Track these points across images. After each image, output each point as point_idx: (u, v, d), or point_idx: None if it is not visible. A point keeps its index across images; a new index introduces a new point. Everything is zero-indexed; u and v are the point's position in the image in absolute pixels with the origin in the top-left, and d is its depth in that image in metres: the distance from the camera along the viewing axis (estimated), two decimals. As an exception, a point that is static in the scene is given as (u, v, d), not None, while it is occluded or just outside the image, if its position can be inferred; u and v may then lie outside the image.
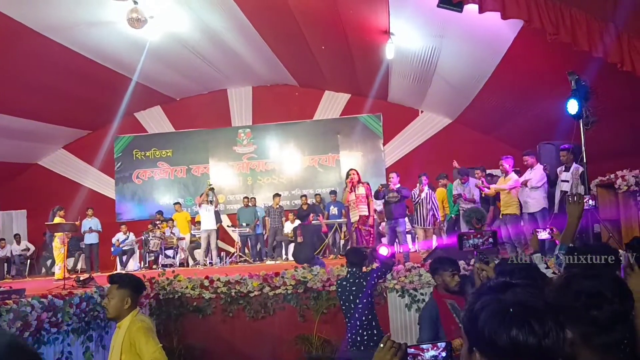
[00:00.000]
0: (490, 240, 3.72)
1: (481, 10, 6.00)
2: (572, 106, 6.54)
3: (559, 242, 4.16)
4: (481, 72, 9.56)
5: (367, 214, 8.41)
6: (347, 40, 10.25)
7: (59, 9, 8.88)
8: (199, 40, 10.90)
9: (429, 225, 9.60)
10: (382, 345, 1.73)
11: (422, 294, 7.08)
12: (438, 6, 6.43)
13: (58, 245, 9.69)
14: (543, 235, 4.65)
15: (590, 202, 6.46)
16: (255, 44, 11.16)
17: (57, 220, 9.87)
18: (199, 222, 12.56)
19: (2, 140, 12.48)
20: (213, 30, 10.43)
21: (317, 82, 13.81)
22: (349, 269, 5.41)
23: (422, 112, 13.91)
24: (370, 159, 14.33)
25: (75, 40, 9.94)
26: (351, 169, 8.98)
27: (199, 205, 12.11)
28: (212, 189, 11.99)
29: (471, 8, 6.29)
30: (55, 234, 9.72)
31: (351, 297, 5.19)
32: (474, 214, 7.08)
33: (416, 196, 9.70)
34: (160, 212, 13.55)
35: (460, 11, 6.41)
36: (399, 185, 9.00)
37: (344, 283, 5.32)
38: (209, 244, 11.88)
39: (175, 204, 13.62)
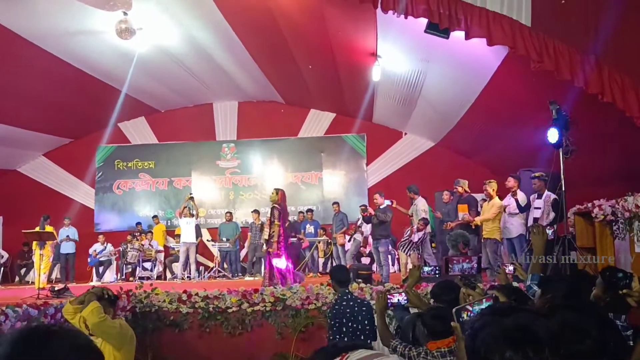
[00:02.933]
0: (475, 265, 3.79)
1: (467, 37, 6.14)
2: (553, 135, 6.68)
3: (520, 276, 4.24)
4: (465, 98, 9.73)
5: (266, 237, 8.37)
6: (334, 61, 10.37)
7: (47, 17, 8.84)
8: (187, 54, 10.92)
9: (410, 251, 9.55)
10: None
11: (400, 315, 7.07)
12: (425, 32, 6.57)
13: (49, 253, 9.66)
14: (510, 268, 4.73)
15: (549, 231, 6.61)
16: (242, 60, 11.22)
17: (48, 228, 9.83)
18: (178, 235, 12.48)
19: (-20, 145, 12.33)
20: (201, 45, 10.47)
21: (303, 100, 13.89)
22: (342, 289, 5.04)
23: (405, 134, 14.06)
24: (352, 178, 14.40)
25: (61, 48, 9.90)
26: (274, 189, 8.92)
27: (180, 217, 12.05)
28: (191, 198, 11.95)
29: (457, 35, 6.44)
30: (47, 241, 9.68)
31: (352, 319, 4.79)
32: (460, 238, 7.12)
33: (406, 235, 9.58)
34: (139, 224, 13.46)
35: (447, 37, 6.55)
36: (384, 205, 9.03)
37: (344, 303, 4.90)
38: (187, 257, 11.79)
39: (153, 217, 13.52)
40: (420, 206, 9.44)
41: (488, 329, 1.29)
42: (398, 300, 3.77)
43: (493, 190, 8.31)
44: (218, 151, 14.75)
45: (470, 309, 1.88)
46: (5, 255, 13.67)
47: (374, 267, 9.94)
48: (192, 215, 11.90)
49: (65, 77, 10.85)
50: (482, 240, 8.22)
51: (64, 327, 1.29)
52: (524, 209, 8.27)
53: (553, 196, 7.67)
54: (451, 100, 10.32)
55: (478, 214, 8.75)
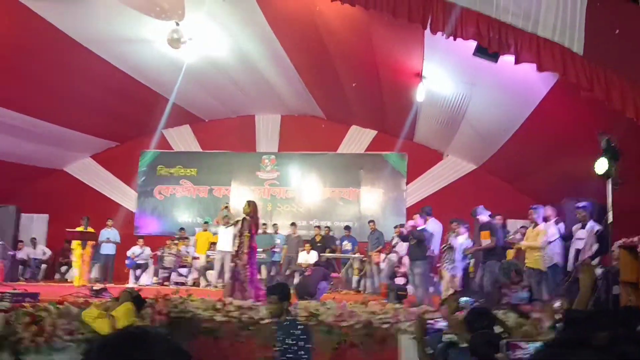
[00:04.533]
0: (528, 295, 3.71)
1: (517, 62, 6.09)
2: (601, 165, 6.53)
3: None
4: (510, 123, 9.60)
5: (236, 248, 8.33)
6: (378, 79, 10.41)
7: (102, 23, 9.21)
8: (234, 66, 11.14)
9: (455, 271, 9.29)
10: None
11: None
12: (474, 55, 6.53)
13: (89, 253, 10.05)
14: (557, 304, 4.62)
15: (598, 270, 6.50)
16: (288, 75, 11.38)
17: (90, 229, 10.19)
18: (214, 243, 12.61)
19: (32, 144, 12.79)
20: (249, 58, 10.67)
21: (344, 116, 13.96)
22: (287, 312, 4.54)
23: (447, 155, 13.93)
24: (391, 197, 14.32)
25: (114, 54, 10.28)
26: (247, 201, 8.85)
27: (217, 225, 12.18)
28: (226, 207, 12.02)
29: (506, 59, 6.39)
30: (89, 241, 10.04)
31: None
32: (513, 266, 6.96)
33: (443, 241, 9.51)
34: (182, 229, 13.66)
35: (496, 61, 6.51)
36: (423, 227, 8.96)
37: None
38: (223, 265, 11.88)
39: (204, 222, 13.62)
40: (429, 228, 9.35)
41: None
42: (439, 327, 3.59)
43: (538, 216, 8.15)
44: (258, 162, 14.92)
45: (526, 346, 1.85)
46: (48, 252, 14.08)
47: (409, 288, 9.83)
48: (230, 224, 12.01)
49: (115, 83, 11.21)
50: (526, 269, 8.05)
51: (157, 330, 1.32)
52: (566, 239, 8.11)
53: (597, 227, 7.48)
54: (495, 125, 10.20)
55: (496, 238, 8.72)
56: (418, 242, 8.88)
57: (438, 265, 10.24)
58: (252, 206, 8.47)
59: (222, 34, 9.77)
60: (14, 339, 4.72)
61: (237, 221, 8.41)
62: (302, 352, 4.25)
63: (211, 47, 10.21)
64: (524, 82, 7.72)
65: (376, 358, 6.78)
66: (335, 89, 11.67)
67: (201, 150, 15.04)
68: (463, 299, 4.31)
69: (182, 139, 15.17)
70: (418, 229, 9.01)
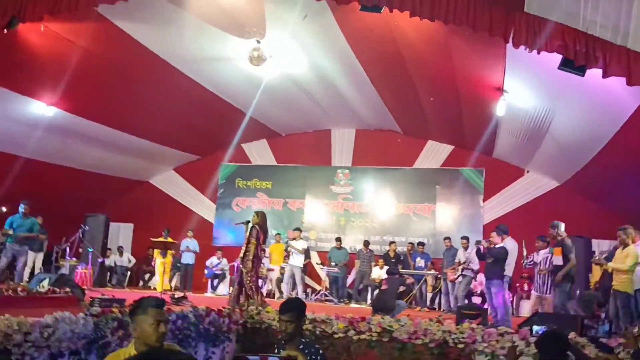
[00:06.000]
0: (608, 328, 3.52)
1: (605, 75, 5.84)
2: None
3: None
4: (597, 138, 9.15)
5: (242, 256, 8.40)
6: (457, 93, 10.25)
7: (189, 43, 9.62)
8: (312, 82, 11.32)
9: (546, 293, 8.73)
10: None
11: (512, 362, 6.70)
12: (559, 68, 6.31)
13: (169, 261, 10.63)
14: (636, 329, 4.34)
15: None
16: (365, 90, 11.42)
17: (170, 239, 10.74)
18: (288, 256, 12.79)
19: (121, 156, 13.57)
20: (326, 73, 10.81)
21: (421, 131, 13.82)
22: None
23: (527, 172, 13.45)
24: (467, 213, 13.98)
25: (198, 71, 10.71)
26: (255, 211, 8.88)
27: (291, 240, 12.40)
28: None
29: (593, 72, 6.13)
30: (169, 251, 10.64)
31: None
32: (594, 298, 6.63)
33: (529, 261, 9.15)
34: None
35: (583, 75, 6.25)
36: (501, 245, 8.65)
37: None
38: (293, 278, 12.10)
39: (276, 234, 13.79)
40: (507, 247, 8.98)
41: None
42: None
43: (629, 237, 7.67)
44: (332, 176, 15.01)
45: None
46: (133, 260, 14.79)
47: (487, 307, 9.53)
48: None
49: (199, 99, 11.67)
50: (612, 291, 7.60)
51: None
52: None
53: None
54: (581, 140, 9.75)
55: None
56: (495, 260, 8.59)
57: (517, 285, 9.87)
58: (260, 216, 8.66)
59: (300, 51, 9.96)
60: (102, 342, 4.95)
61: (252, 226, 8.52)
62: None
63: (290, 64, 10.42)
64: (612, 95, 7.37)
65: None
66: (412, 103, 11.59)
67: (276, 163, 15.33)
68: (536, 327, 4.03)
69: (260, 152, 15.54)
70: (497, 246, 8.71)
